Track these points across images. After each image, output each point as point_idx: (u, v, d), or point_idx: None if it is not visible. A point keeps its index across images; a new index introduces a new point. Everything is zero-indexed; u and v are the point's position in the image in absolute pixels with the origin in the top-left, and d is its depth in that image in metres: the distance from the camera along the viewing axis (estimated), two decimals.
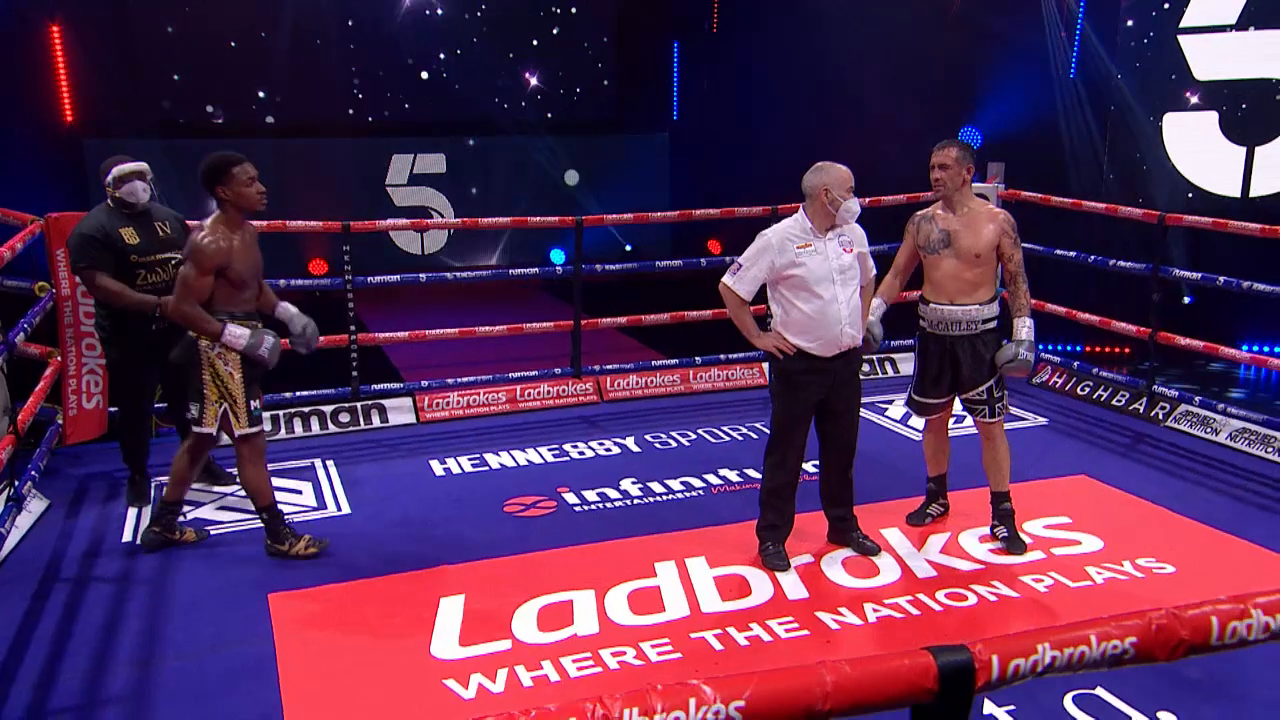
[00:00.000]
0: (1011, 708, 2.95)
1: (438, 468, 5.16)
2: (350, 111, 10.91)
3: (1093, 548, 4.04)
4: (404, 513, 4.58)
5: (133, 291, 4.29)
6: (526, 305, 9.11)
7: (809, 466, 4.41)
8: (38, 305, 4.77)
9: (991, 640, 1.16)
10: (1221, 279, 5.26)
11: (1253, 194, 8.75)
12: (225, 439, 3.96)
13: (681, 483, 4.85)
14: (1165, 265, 5.43)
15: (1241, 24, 8.59)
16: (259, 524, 4.41)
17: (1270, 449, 4.99)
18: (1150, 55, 8.94)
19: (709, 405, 6.15)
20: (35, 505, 4.50)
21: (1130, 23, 9.03)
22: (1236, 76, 8.59)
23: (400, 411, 5.91)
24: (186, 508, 4.59)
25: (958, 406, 4.19)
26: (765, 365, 4.24)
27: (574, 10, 11.52)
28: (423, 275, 6.28)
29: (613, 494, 4.71)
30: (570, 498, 4.69)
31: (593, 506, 4.58)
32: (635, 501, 4.64)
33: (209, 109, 10.49)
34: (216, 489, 4.78)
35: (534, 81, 11.56)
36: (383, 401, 5.91)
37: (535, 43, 11.57)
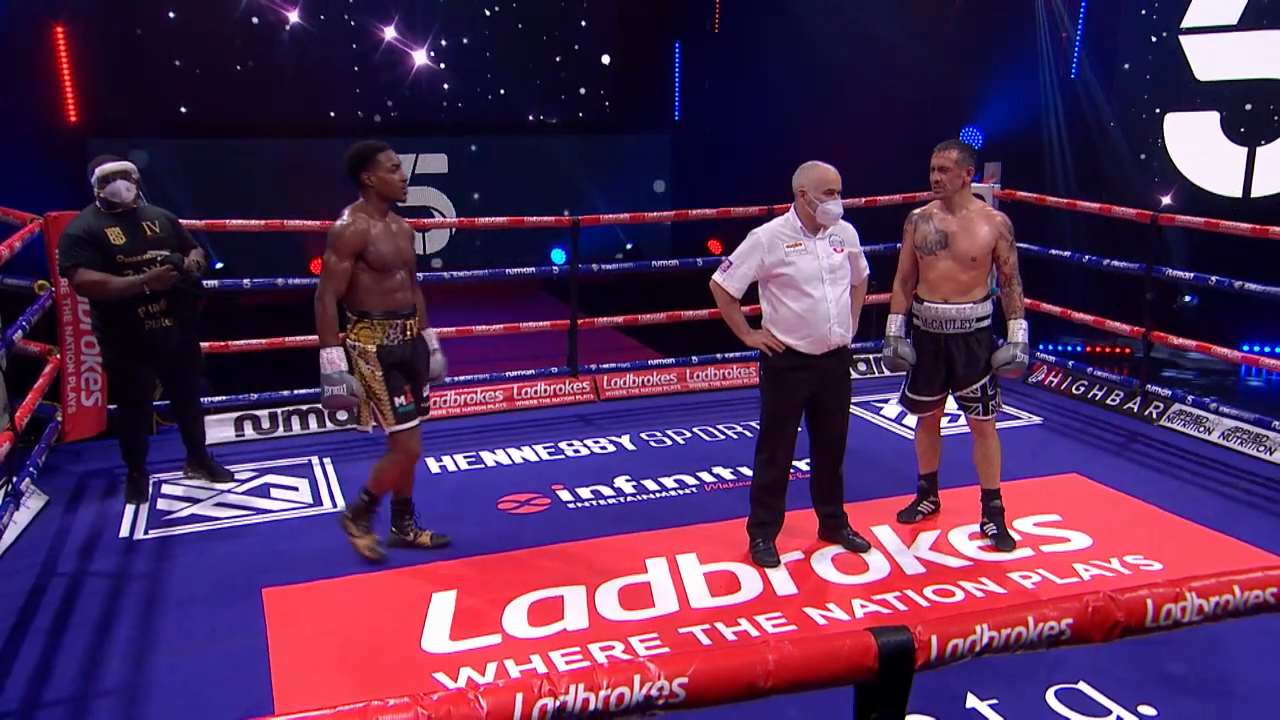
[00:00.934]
0: (994, 702, 2.99)
1: (433, 465, 5.20)
2: (357, 112, 10.99)
3: (1081, 545, 4.08)
4: None
5: (115, 278, 4.30)
6: (526, 305, 9.16)
7: (800, 464, 4.45)
8: (37, 303, 4.83)
9: (931, 621, 1.20)
10: (1214, 279, 5.29)
11: (1254, 194, 8.76)
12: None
13: (675, 480, 4.89)
14: (1159, 265, 5.44)
15: (1244, 24, 8.60)
16: (255, 519, 4.49)
17: (1262, 448, 5.02)
18: (1152, 55, 8.96)
19: (705, 404, 6.19)
20: (34, 502, 4.56)
21: (1131, 23, 9.05)
22: (1238, 77, 8.60)
23: None
24: (183, 505, 4.65)
25: (951, 404, 4.23)
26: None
27: (576, 10, 11.58)
28: (420, 275, 6.33)
29: (606, 491, 4.75)
30: (564, 495, 4.73)
31: (586, 504, 4.63)
32: (629, 499, 4.68)
33: (213, 109, 10.57)
34: (215, 486, 4.84)
35: (537, 82, 11.62)
36: None
37: (537, 43, 11.64)
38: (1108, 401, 5.90)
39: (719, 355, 6.48)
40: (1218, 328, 7.07)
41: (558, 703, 1.07)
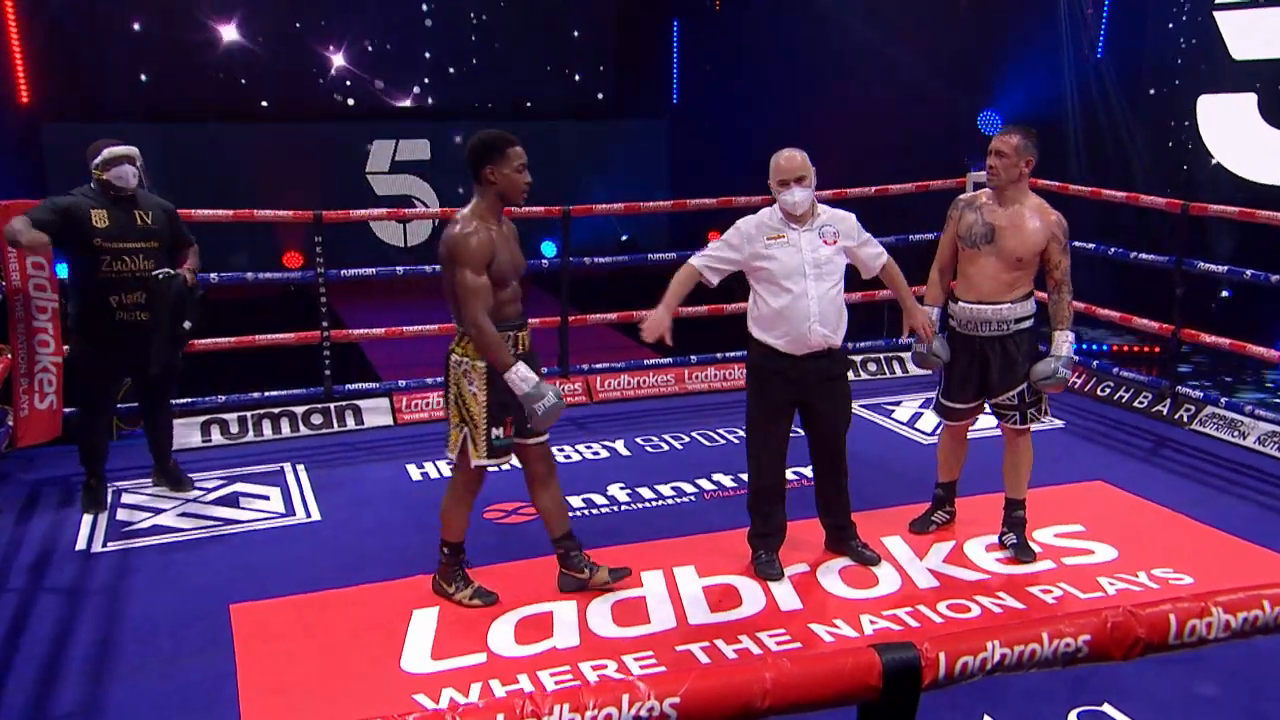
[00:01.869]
0: None
1: (415, 472, 5.20)
2: (331, 95, 10.99)
3: (1106, 557, 4.08)
4: (377, 519, 4.62)
5: (30, 231, 4.19)
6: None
7: (806, 471, 4.46)
8: None
9: (939, 638, 1.20)
10: (1249, 272, 5.30)
11: None
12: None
13: (672, 488, 4.89)
14: (1190, 258, 5.45)
15: None
16: (222, 530, 4.49)
17: None
18: (1183, 33, 8.96)
19: (704, 406, 6.19)
20: None
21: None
22: (1276, 55, 8.59)
23: (376, 413, 5.96)
24: (145, 515, 4.65)
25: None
26: None
27: None
28: (400, 268, 6.35)
29: (599, 500, 4.75)
30: None
31: (578, 513, 4.62)
32: (623, 508, 4.68)
33: (179, 92, 10.56)
34: (178, 495, 4.83)
35: (525, 62, 11.62)
36: (358, 402, 5.96)
37: (530, 24, 11.63)
38: (1135, 404, 5.91)
39: (719, 355, 6.48)
40: (1258, 324, 7.07)
41: None
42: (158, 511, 4.68)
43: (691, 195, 6.82)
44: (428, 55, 11.40)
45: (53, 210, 4.33)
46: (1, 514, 4.61)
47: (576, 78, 11.96)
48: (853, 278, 4.02)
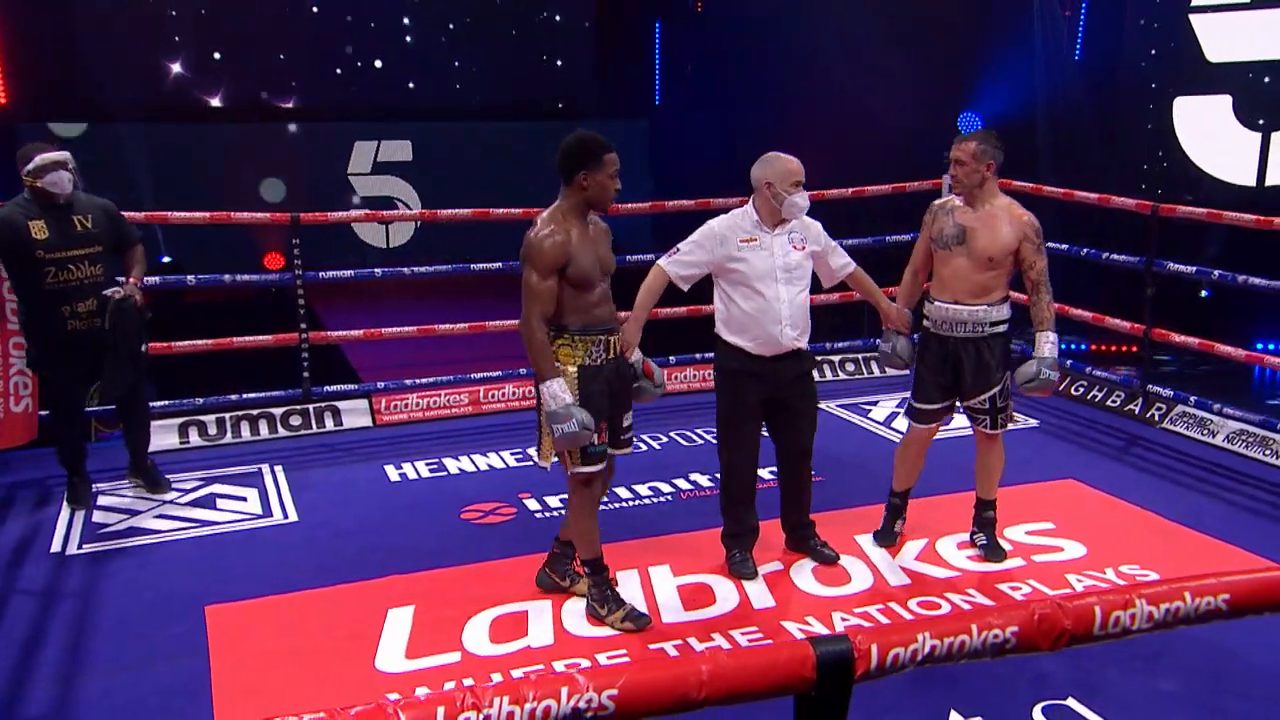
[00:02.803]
0: (979, 719, 3.04)
1: (393, 473, 5.22)
2: (309, 94, 10.97)
3: (1075, 554, 4.14)
4: (354, 520, 4.64)
5: None
6: (500, 301, 9.17)
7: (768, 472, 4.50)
8: None
9: (872, 630, 1.24)
10: (1216, 273, 5.38)
11: (1269, 182, 8.86)
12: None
13: (650, 488, 4.93)
14: (1160, 259, 5.52)
15: (1257, 2, 8.71)
16: (199, 532, 4.50)
17: (1268, 451, 5.10)
18: (1159, 36, 9.05)
19: (683, 406, 6.22)
20: None
21: (1138, 1, 9.14)
22: (1251, 58, 8.70)
23: (355, 414, 5.98)
24: (121, 517, 4.65)
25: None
26: None
27: None
28: (378, 270, 6.37)
29: None
30: (532, 504, 4.76)
31: (555, 513, 4.65)
32: (600, 507, 4.68)
33: (155, 91, 10.53)
34: (155, 496, 4.84)
35: (507, 62, 11.63)
36: (337, 403, 5.97)
37: (510, 22, 11.65)
38: (1108, 403, 5.98)
39: (698, 355, 6.51)
40: (1233, 324, 7.16)
41: (481, 716, 1.10)
42: (134, 513, 4.69)
43: (673, 196, 6.85)
44: (409, 56, 11.40)
45: None
46: None
47: (558, 79, 11.98)
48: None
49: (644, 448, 5.51)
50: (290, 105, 10.91)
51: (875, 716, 3.06)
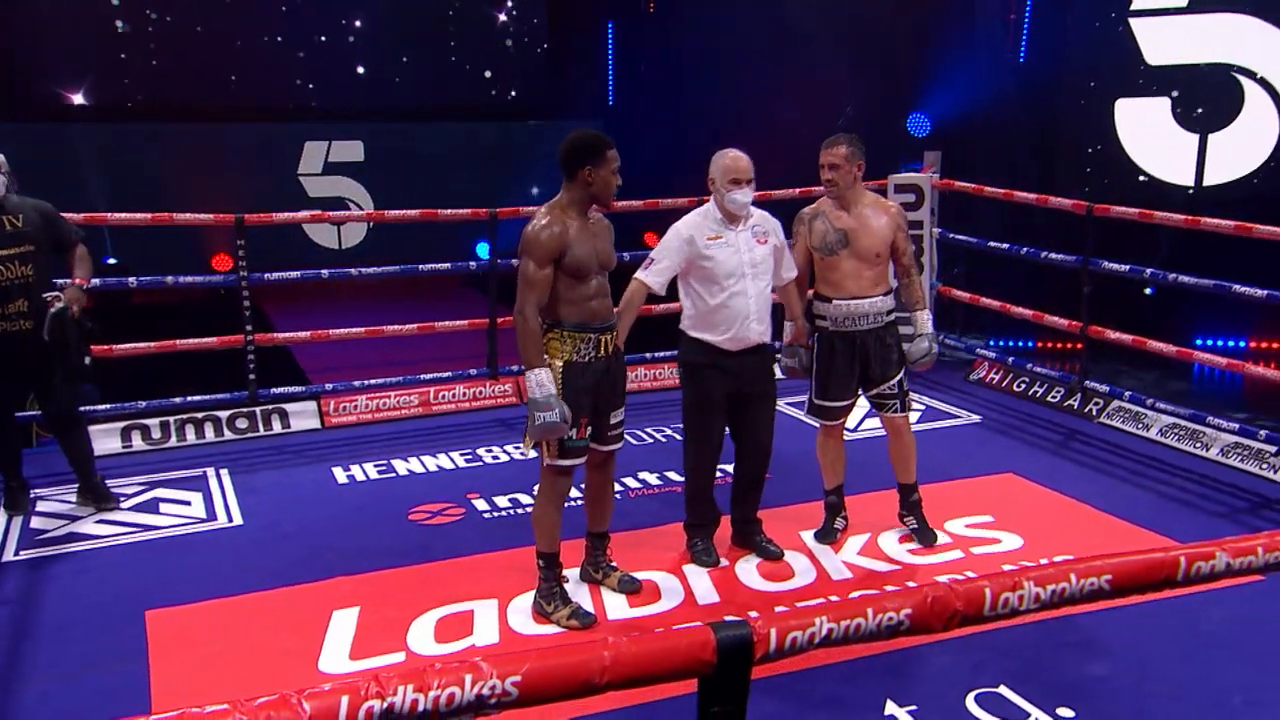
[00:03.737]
0: (914, 708, 3.10)
1: (341, 475, 5.21)
2: (264, 95, 10.86)
3: (1012, 546, 4.24)
4: (300, 523, 4.63)
5: None
6: (451, 302, 9.16)
7: (725, 467, 4.56)
8: None
9: (771, 615, 1.29)
10: (1149, 271, 5.53)
11: (1206, 183, 9.09)
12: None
13: None
14: (1097, 258, 5.67)
15: (1194, 7, 8.93)
16: (141, 537, 4.46)
17: (1198, 444, 5.26)
18: (1101, 39, 9.24)
19: (632, 406, 6.17)
20: None
21: (1080, 5, 9.32)
22: (1189, 61, 8.92)
23: (303, 416, 5.95)
24: (60, 523, 4.59)
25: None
26: None
27: None
28: (325, 271, 6.34)
29: (525, 499, 4.79)
30: (480, 504, 4.78)
31: (504, 513, 4.68)
32: None
33: (102, 91, 10.37)
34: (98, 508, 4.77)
35: (460, 62, 11.61)
36: (284, 406, 5.94)
37: (462, 22, 11.62)
38: (1048, 399, 6.12)
39: (648, 355, 6.56)
40: (1175, 321, 7.33)
41: (385, 704, 1.13)
42: (74, 519, 4.63)
43: (626, 197, 6.89)
44: (362, 56, 11.33)
45: None
46: None
47: (511, 78, 11.97)
48: None
49: None
50: (240, 105, 10.79)
51: (814, 707, 3.13)
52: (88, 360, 4.48)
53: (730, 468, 4.47)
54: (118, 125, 10.27)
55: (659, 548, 4.18)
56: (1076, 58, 9.30)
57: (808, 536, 4.33)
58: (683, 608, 3.79)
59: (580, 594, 3.86)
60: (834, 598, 3.84)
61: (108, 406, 5.50)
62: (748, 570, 4.07)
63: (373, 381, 6.08)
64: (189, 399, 5.70)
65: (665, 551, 4.16)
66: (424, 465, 5.33)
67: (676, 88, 10.81)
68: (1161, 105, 9.09)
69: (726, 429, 4.12)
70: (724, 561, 4.07)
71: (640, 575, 4.00)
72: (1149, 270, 5.53)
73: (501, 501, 4.79)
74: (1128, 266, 5.57)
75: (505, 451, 5.50)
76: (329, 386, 6.06)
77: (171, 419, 5.70)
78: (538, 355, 3.48)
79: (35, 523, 4.59)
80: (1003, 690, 3.18)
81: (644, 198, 6.71)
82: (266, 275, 5.93)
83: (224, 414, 5.80)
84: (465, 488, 4.98)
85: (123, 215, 5.48)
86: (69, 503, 4.78)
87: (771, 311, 4.07)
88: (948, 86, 9.61)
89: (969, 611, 1.34)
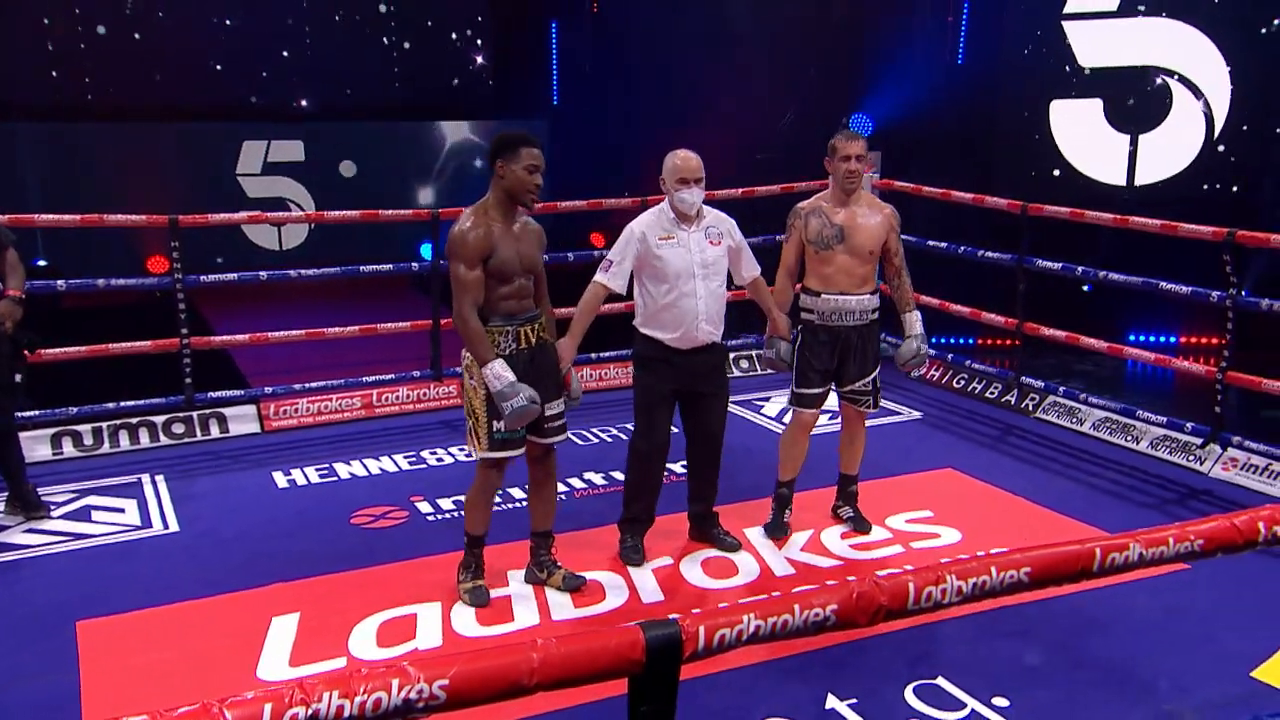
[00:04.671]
0: (854, 701, 3.15)
1: (281, 480, 5.13)
2: (204, 94, 10.64)
3: (951, 540, 4.33)
4: (239, 529, 4.55)
5: None
6: (396, 304, 9.06)
7: (676, 467, 4.58)
8: None
9: (700, 614, 1.30)
10: (1080, 269, 5.68)
11: (1138, 183, 9.35)
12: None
13: None
14: (1030, 256, 5.80)
15: (1123, 11, 9.17)
16: (72, 545, 4.34)
17: (1129, 437, 5.41)
18: (1036, 41, 9.45)
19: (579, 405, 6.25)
20: None
21: (1016, 8, 9.52)
22: (1120, 64, 9.16)
23: (242, 420, 5.85)
24: None
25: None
26: None
27: None
28: (263, 273, 6.23)
29: None
30: (424, 507, 4.74)
31: (448, 515, 4.65)
32: (495, 508, 4.69)
33: (38, 90, 10.09)
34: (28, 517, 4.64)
35: (402, 62, 11.50)
36: (223, 410, 5.83)
37: (405, 21, 11.51)
38: (986, 395, 6.24)
39: (594, 355, 6.56)
40: (1110, 318, 7.52)
41: (310, 711, 1.12)
42: (2, 529, 4.50)
43: (571, 196, 6.90)
44: (303, 55, 11.16)
45: None
46: None
47: (455, 78, 11.88)
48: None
49: None
50: (177, 104, 10.56)
51: (755, 702, 3.16)
52: (18, 378, 4.36)
53: (679, 466, 4.51)
54: (51, 125, 9.99)
55: (604, 547, 4.19)
56: (1012, 60, 9.50)
57: (754, 533, 4.37)
58: (626, 606, 3.80)
59: (525, 595, 3.85)
60: (777, 594, 3.88)
61: (38, 413, 5.35)
62: (693, 567, 4.10)
63: (314, 384, 6.00)
64: (123, 404, 5.56)
65: (610, 551, 4.16)
66: (367, 468, 5.27)
67: (620, 88, 10.82)
68: (1094, 106, 9.32)
69: (673, 429, 4.13)
70: (647, 563, 4.08)
71: (585, 575, 4.00)
72: (1081, 268, 5.68)
73: (445, 504, 4.76)
74: (1060, 265, 5.71)
75: (449, 454, 5.46)
76: (269, 390, 5.96)
77: (105, 425, 5.56)
78: (488, 350, 3.54)
79: None
80: (940, 681, 3.24)
81: (588, 198, 6.71)
82: (203, 277, 5.82)
83: (160, 419, 5.68)
84: (409, 490, 4.93)
85: (51, 217, 5.33)
86: (3, 515, 4.64)
87: (726, 311, 4.10)
88: (888, 87, 9.75)
89: (893, 606, 1.37)
